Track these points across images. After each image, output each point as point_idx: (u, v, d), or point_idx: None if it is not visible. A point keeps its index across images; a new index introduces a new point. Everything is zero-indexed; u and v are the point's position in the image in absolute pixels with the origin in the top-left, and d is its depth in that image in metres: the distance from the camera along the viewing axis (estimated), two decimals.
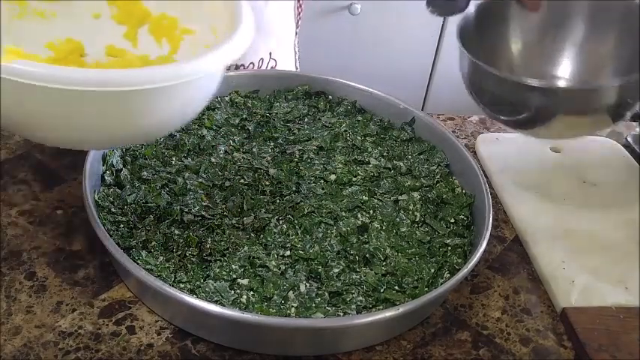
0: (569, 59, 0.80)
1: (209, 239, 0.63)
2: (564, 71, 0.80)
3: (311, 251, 0.64)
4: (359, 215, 0.69)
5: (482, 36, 0.75)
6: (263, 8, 0.96)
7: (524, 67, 0.80)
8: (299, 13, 1.06)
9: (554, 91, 0.66)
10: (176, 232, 0.63)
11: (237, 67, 0.94)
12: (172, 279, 0.58)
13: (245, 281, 0.60)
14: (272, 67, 1.01)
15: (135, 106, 0.50)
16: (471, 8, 0.73)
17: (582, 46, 0.79)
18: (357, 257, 0.64)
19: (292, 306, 0.58)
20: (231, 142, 0.77)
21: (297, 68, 1.10)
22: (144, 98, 0.49)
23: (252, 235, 0.64)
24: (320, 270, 0.62)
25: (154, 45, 0.65)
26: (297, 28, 1.08)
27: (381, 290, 0.61)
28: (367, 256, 0.64)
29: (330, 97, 0.86)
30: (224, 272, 0.60)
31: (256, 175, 0.72)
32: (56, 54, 0.61)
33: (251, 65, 0.98)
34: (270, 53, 1.01)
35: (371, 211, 0.70)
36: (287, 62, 1.06)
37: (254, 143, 0.78)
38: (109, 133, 0.54)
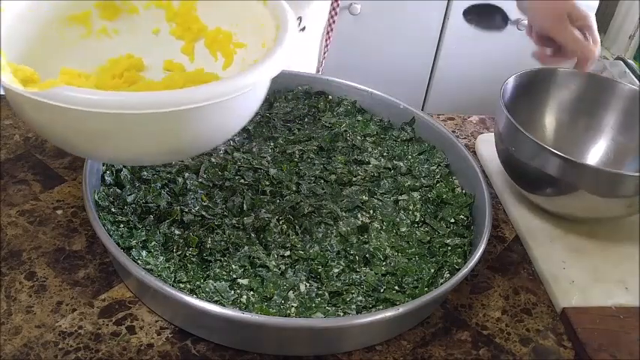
0: (598, 142, 0.84)
1: (209, 239, 0.63)
2: (593, 151, 0.84)
3: (311, 251, 0.64)
4: (359, 215, 0.69)
5: (522, 102, 0.80)
6: None
7: (554, 138, 0.85)
8: (324, 52, 1.05)
9: (580, 166, 0.69)
10: (176, 232, 0.63)
11: None
12: (172, 279, 0.58)
13: (245, 281, 0.60)
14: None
15: (172, 126, 0.52)
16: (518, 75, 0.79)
17: (612, 133, 0.83)
18: (357, 257, 0.64)
19: (292, 306, 0.58)
20: (231, 142, 0.77)
21: (326, 43, 1.06)
22: (179, 118, 0.51)
23: (252, 235, 0.64)
24: (320, 270, 0.62)
25: (210, 59, 0.68)
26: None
27: (381, 290, 0.61)
28: (367, 256, 0.64)
29: (330, 97, 0.86)
30: (224, 272, 0.60)
31: (256, 175, 0.72)
32: (115, 70, 0.65)
33: None
34: (300, 18, 0.96)
35: (371, 211, 0.70)
36: (316, 32, 1.02)
37: (254, 143, 0.77)
38: (150, 151, 0.56)
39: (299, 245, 0.64)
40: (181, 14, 0.69)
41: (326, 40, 1.04)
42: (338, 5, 1.01)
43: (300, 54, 1.00)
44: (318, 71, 1.07)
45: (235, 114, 0.57)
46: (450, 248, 0.66)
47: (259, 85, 0.57)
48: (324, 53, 1.06)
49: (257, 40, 0.64)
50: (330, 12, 1.01)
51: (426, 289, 0.61)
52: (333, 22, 1.02)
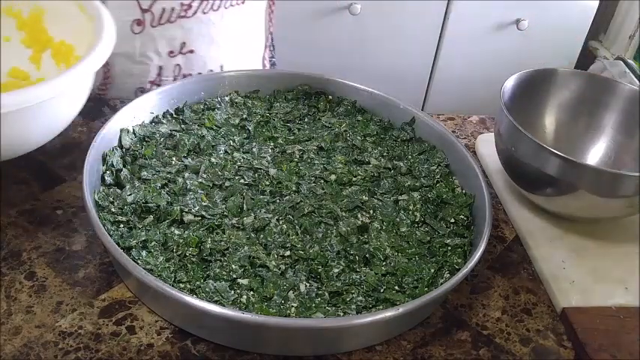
0: (598, 142, 0.84)
1: (209, 239, 0.63)
2: (592, 151, 0.84)
3: (311, 251, 0.64)
4: (359, 215, 0.69)
5: (522, 102, 0.79)
6: (218, 21, 0.95)
7: (554, 138, 0.85)
8: (270, 27, 1.06)
9: (580, 166, 0.70)
10: (176, 232, 0.63)
11: (184, 76, 0.95)
12: (172, 279, 0.58)
13: (245, 281, 0.60)
14: None
15: None
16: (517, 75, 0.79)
17: (612, 133, 0.83)
18: (357, 257, 0.64)
19: (292, 306, 0.58)
20: (231, 142, 0.77)
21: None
22: None
23: (252, 235, 0.64)
24: (320, 270, 0.62)
25: (55, 68, 0.72)
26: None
27: (381, 290, 0.61)
28: (367, 256, 0.64)
29: (330, 97, 0.86)
30: (224, 272, 0.60)
31: (256, 175, 0.72)
32: None
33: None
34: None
35: (371, 211, 0.70)
36: (257, 4, 1.03)
37: (254, 143, 0.78)
38: None
39: (299, 245, 0.64)
40: (29, 24, 0.72)
41: (269, 14, 1.05)
42: None
43: (243, 26, 1.01)
44: (265, 47, 1.08)
45: (34, 123, 0.61)
46: (450, 248, 0.66)
47: (49, 102, 0.60)
48: (270, 28, 1.06)
49: None
50: None
51: (426, 289, 0.61)
52: None
